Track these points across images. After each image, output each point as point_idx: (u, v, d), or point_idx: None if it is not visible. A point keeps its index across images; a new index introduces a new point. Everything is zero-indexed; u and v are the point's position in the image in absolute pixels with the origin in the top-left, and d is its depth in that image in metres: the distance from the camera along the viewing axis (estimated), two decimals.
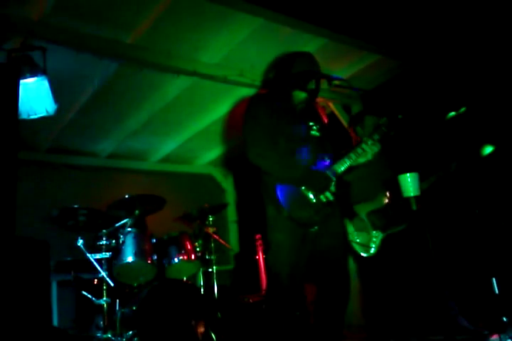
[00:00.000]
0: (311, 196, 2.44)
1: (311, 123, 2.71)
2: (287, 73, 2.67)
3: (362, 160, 2.56)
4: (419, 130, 4.14)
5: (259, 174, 2.64)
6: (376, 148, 2.54)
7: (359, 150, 2.53)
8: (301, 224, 2.43)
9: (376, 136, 2.54)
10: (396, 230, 3.47)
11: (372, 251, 3.44)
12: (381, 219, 3.47)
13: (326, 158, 2.60)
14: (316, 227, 2.47)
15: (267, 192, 2.52)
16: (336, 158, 2.58)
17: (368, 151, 2.53)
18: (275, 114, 2.62)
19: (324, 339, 2.49)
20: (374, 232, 3.47)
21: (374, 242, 3.44)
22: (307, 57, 2.73)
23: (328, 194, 2.47)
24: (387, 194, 3.58)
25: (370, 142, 2.54)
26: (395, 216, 3.49)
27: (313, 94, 2.67)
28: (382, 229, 3.45)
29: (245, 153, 2.55)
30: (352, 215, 3.58)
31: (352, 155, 2.54)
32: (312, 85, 2.62)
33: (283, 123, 2.62)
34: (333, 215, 2.55)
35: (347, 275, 2.58)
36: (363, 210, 3.52)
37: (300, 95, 2.67)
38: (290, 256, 2.44)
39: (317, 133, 2.70)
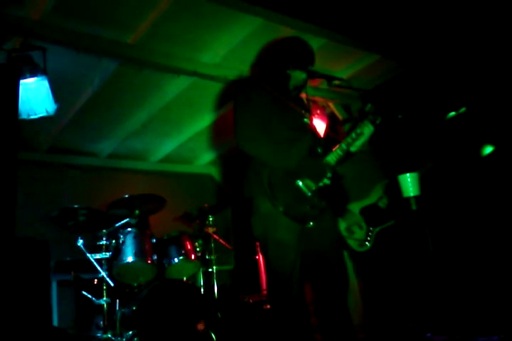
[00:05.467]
0: (307, 190, 2.39)
1: (303, 111, 2.65)
2: (289, 53, 2.58)
3: (353, 149, 2.53)
4: (419, 130, 4.15)
5: (249, 166, 2.53)
6: (364, 137, 2.52)
7: (349, 140, 2.52)
8: (297, 220, 2.38)
9: (365, 121, 2.52)
10: (386, 225, 3.53)
11: (367, 246, 3.49)
12: (374, 215, 3.53)
13: (319, 149, 2.54)
14: (311, 223, 2.41)
15: (261, 186, 2.40)
16: (328, 150, 2.54)
17: (357, 140, 2.51)
18: (271, 98, 2.52)
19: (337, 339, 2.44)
20: (369, 228, 3.51)
21: (370, 236, 3.49)
22: (303, 41, 2.67)
23: (326, 180, 2.41)
24: (379, 191, 3.65)
25: (358, 131, 2.52)
26: (385, 212, 3.55)
27: (310, 76, 2.61)
28: (374, 224, 3.50)
29: (235, 138, 2.42)
30: (342, 212, 3.63)
31: (343, 145, 2.52)
32: (311, 67, 2.57)
33: (279, 110, 2.53)
34: (327, 210, 2.50)
35: (344, 272, 2.53)
36: (356, 207, 3.57)
37: (299, 77, 2.59)
38: (291, 254, 2.37)
39: (308, 122, 2.63)
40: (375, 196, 3.63)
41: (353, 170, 3.69)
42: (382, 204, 3.57)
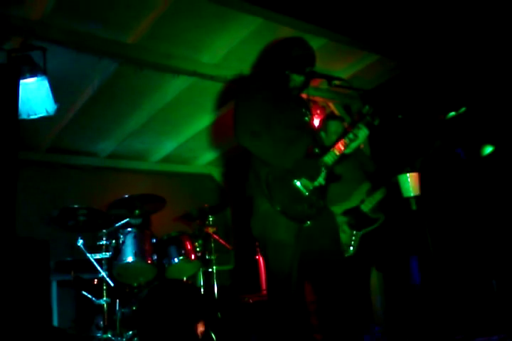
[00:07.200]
0: (304, 190, 2.40)
1: (303, 110, 2.67)
2: (287, 55, 2.59)
3: (348, 151, 2.55)
4: (419, 130, 4.15)
5: (249, 166, 2.55)
6: (361, 138, 2.53)
7: (346, 141, 2.53)
8: (294, 219, 2.38)
9: (360, 125, 2.53)
10: (371, 229, 3.44)
11: (351, 250, 3.39)
12: (356, 218, 3.44)
13: (316, 149, 2.55)
14: (309, 222, 2.42)
15: (259, 186, 2.42)
16: (325, 150, 2.55)
17: (353, 142, 2.53)
18: (271, 96, 2.53)
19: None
20: (352, 232, 3.44)
21: (353, 241, 3.40)
22: (304, 43, 2.67)
23: (321, 180, 2.43)
24: (361, 194, 3.54)
25: (355, 131, 2.53)
26: (367, 215, 3.47)
27: (309, 78, 2.61)
28: (358, 228, 3.43)
29: (235, 134, 2.42)
30: None
31: (340, 146, 2.53)
32: (308, 70, 2.57)
33: (279, 108, 2.54)
34: (325, 209, 2.52)
35: (346, 271, 2.53)
36: (339, 210, 3.46)
37: (297, 79, 2.59)
38: (288, 254, 2.38)
39: (308, 121, 2.65)
40: (356, 199, 3.51)
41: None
42: (365, 207, 3.45)
